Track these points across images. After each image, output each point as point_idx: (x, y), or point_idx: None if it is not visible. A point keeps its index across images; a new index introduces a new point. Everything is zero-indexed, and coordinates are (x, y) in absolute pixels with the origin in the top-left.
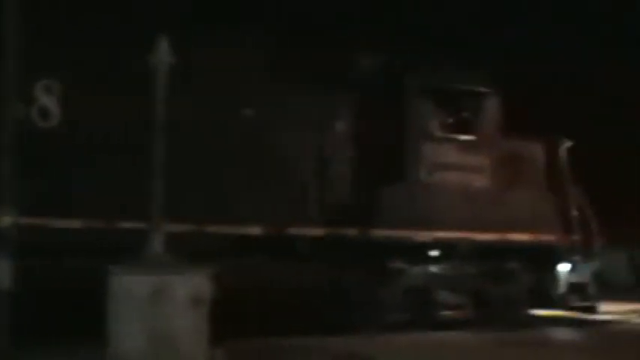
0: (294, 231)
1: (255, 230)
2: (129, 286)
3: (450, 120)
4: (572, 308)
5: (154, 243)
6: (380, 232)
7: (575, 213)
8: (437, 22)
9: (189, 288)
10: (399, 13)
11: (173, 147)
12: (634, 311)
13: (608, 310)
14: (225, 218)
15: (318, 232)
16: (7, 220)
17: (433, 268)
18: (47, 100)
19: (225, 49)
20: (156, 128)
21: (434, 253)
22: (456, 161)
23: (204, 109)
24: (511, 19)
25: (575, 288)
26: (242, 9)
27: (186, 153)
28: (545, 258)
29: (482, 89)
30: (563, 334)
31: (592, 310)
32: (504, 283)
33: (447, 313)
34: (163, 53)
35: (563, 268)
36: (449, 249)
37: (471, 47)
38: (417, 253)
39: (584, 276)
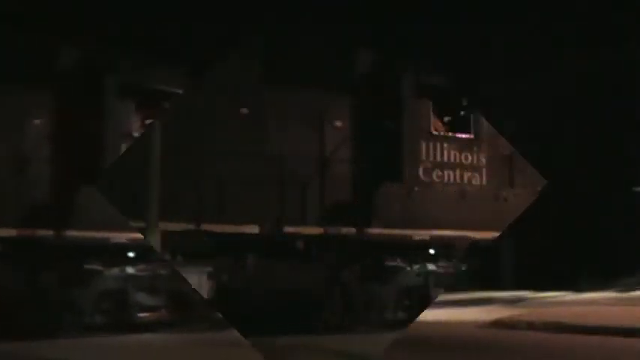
0: None
1: None
2: None
3: (152, 120)
4: None
5: None
6: (76, 234)
7: None
8: (140, 20)
9: None
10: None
11: None
12: None
13: None
14: None
15: (10, 232)
16: None
17: (130, 270)
18: None
19: None
20: None
21: (131, 254)
22: None
23: None
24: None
25: None
26: None
27: None
28: None
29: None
30: None
31: None
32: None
33: (143, 314)
34: None
35: None
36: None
37: (174, 47)
38: (114, 254)
39: None
